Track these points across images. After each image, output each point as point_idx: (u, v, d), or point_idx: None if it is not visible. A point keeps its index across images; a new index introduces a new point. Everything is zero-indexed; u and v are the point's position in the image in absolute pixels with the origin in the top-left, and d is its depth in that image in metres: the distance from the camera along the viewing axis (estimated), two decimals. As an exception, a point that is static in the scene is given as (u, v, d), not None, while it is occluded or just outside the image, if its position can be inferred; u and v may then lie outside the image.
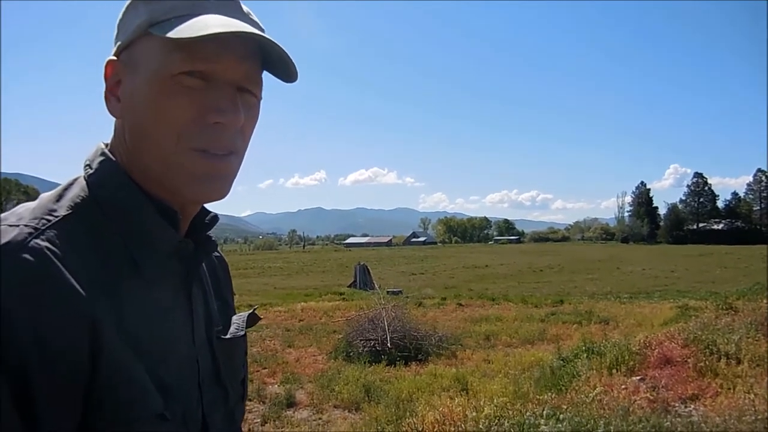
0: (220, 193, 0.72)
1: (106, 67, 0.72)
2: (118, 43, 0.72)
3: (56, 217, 0.64)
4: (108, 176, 0.71)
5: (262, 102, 0.76)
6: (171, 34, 0.65)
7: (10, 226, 0.61)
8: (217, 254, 0.94)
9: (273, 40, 0.68)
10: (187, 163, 0.68)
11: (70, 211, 0.66)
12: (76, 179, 0.72)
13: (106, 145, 0.75)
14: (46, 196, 0.69)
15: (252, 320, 0.91)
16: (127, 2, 0.72)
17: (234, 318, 0.89)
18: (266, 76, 0.77)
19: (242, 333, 0.87)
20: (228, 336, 0.85)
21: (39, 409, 0.56)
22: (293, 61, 0.71)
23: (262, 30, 0.72)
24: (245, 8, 0.74)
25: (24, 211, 0.65)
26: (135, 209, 0.70)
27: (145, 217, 0.70)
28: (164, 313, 0.71)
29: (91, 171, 0.71)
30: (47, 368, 0.57)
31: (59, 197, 0.68)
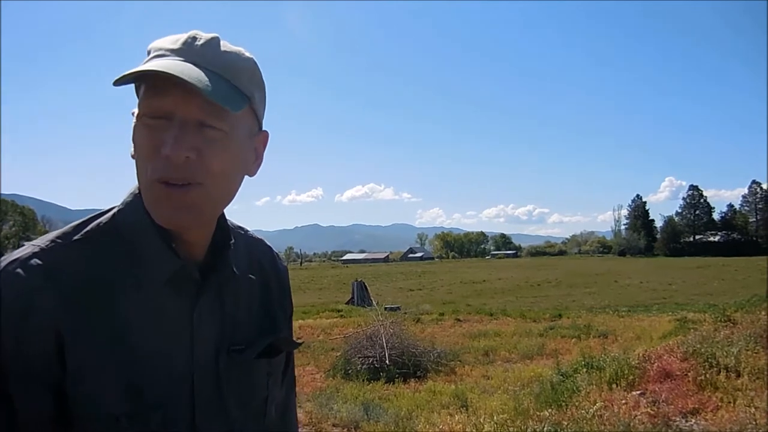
0: (186, 221, 0.79)
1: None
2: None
3: (67, 240, 0.79)
4: (128, 206, 0.84)
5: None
6: (114, 82, 0.75)
7: (32, 244, 0.78)
8: (280, 273, 1.03)
9: (188, 79, 0.73)
10: (154, 192, 0.77)
11: (81, 236, 0.80)
12: (111, 209, 0.85)
13: None
14: (77, 222, 0.83)
15: (286, 343, 0.97)
16: None
17: (259, 340, 0.92)
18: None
19: (253, 356, 0.90)
20: (241, 357, 0.88)
21: (12, 393, 0.71)
22: (215, 97, 0.75)
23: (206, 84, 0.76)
24: (226, 47, 0.81)
25: (54, 233, 0.81)
26: (143, 235, 0.81)
27: (147, 242, 0.81)
28: (161, 331, 0.80)
29: (121, 202, 0.85)
30: (19, 364, 0.72)
31: (84, 223, 0.82)
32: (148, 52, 0.81)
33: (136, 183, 0.84)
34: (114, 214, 0.84)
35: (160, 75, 0.73)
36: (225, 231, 0.91)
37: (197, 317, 0.83)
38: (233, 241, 0.91)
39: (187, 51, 0.78)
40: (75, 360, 0.73)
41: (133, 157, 0.82)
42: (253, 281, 0.96)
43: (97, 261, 0.79)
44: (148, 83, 0.76)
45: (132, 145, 0.82)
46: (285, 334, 0.99)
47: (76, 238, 0.79)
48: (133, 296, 0.78)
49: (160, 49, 0.79)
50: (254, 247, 1.01)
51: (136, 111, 0.80)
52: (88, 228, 0.81)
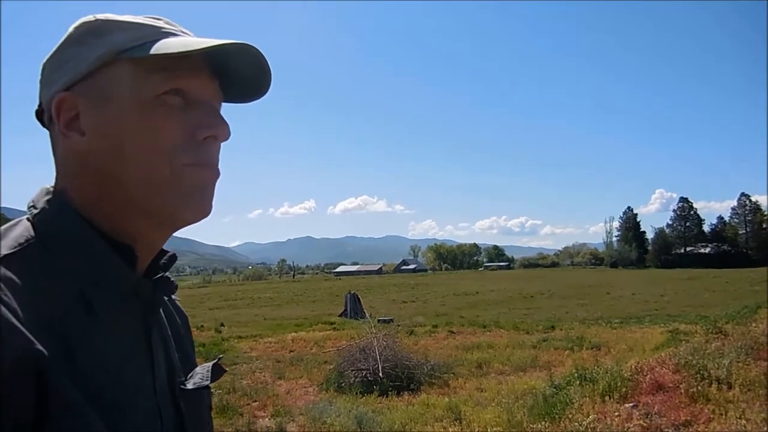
0: (207, 209, 0.71)
1: (58, 103, 0.68)
2: (65, 78, 0.68)
3: None
4: (56, 214, 0.66)
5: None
6: (155, 51, 0.65)
7: None
8: (178, 306, 0.89)
9: (262, 52, 0.71)
10: (185, 177, 0.67)
11: (11, 251, 0.61)
12: (18, 221, 0.67)
13: (52, 187, 0.71)
14: None
15: (216, 372, 0.81)
16: (65, 40, 0.71)
17: (197, 369, 0.81)
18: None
19: (206, 383, 0.78)
20: (192, 386, 0.77)
21: None
22: (271, 75, 0.74)
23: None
24: None
25: None
26: (85, 246, 0.65)
27: (97, 253, 0.65)
28: (123, 359, 0.65)
29: (36, 211, 0.67)
30: None
31: None
32: (112, 25, 0.69)
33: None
34: (35, 225, 0.65)
35: (190, 54, 0.66)
36: None
37: (154, 342, 0.71)
38: (172, 253, 0.78)
39: (191, 35, 0.73)
40: (63, 403, 0.55)
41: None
42: (176, 311, 0.86)
43: (47, 281, 0.61)
44: (172, 57, 0.65)
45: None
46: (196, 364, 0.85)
47: (6, 254, 0.60)
48: (86, 322, 0.62)
49: (155, 27, 0.70)
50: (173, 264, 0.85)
51: (130, 90, 0.66)
52: (15, 242, 0.62)
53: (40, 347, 0.54)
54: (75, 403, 0.56)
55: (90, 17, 0.71)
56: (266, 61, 0.71)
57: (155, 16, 0.72)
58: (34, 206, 0.68)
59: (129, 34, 0.68)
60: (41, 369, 0.54)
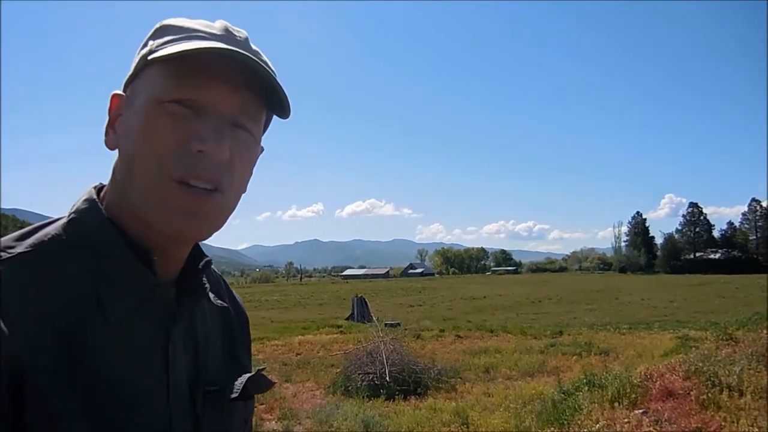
0: (200, 233, 0.67)
1: (111, 100, 0.71)
2: (125, 79, 0.71)
3: (10, 254, 0.61)
4: (83, 215, 0.68)
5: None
6: (153, 55, 0.65)
7: None
8: (239, 306, 0.88)
9: (265, 66, 0.67)
10: (167, 195, 0.63)
11: (29, 249, 0.62)
12: (55, 219, 0.69)
13: (102, 187, 0.73)
14: (14, 234, 0.65)
15: (258, 383, 0.78)
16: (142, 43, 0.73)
17: (238, 380, 0.78)
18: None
19: (235, 395, 0.75)
20: (219, 396, 0.75)
21: None
22: (285, 92, 0.69)
23: (272, 73, 0.69)
24: (254, 47, 0.71)
25: None
26: (105, 247, 0.66)
27: (115, 255, 0.66)
28: (133, 363, 0.65)
29: (72, 210, 0.69)
30: None
31: (26, 235, 0.65)
32: (165, 29, 0.69)
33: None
34: (65, 224, 0.67)
35: (204, 59, 0.63)
36: (198, 246, 0.77)
37: (172, 349, 0.69)
38: (208, 258, 0.78)
39: (233, 42, 0.68)
40: (43, 403, 0.55)
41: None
42: (220, 309, 0.83)
43: (59, 280, 0.62)
44: (188, 65, 0.64)
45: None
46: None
47: (22, 251, 0.62)
48: (98, 324, 0.62)
49: (197, 31, 0.68)
50: (208, 269, 0.82)
51: (146, 94, 0.66)
52: (37, 241, 0.64)
53: (17, 344, 0.55)
54: (58, 403, 0.56)
55: (159, 22, 0.72)
56: (272, 79, 0.68)
57: (212, 21, 0.70)
58: (74, 205, 0.70)
59: (165, 36, 0.68)
60: (20, 367, 0.55)
